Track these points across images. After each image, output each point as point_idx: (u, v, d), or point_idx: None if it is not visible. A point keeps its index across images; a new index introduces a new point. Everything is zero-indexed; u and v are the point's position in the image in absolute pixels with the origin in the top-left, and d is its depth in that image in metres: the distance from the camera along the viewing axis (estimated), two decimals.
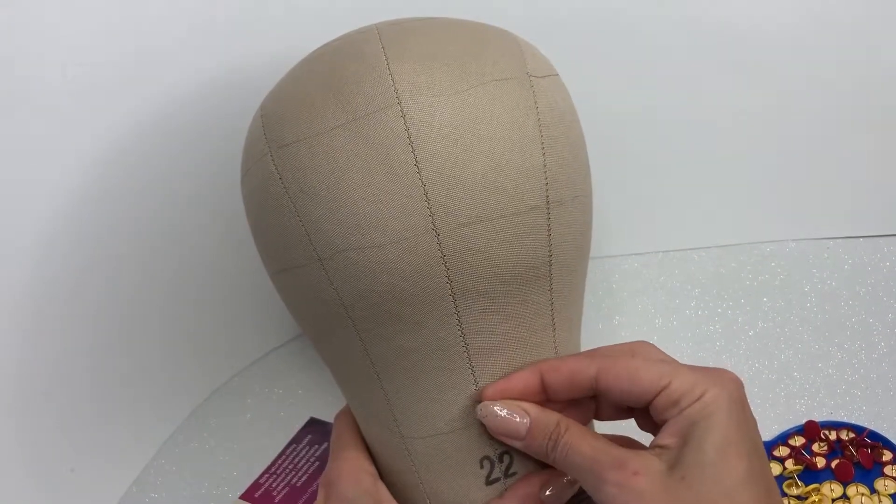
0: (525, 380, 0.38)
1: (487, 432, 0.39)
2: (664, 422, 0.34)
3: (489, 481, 0.39)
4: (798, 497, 0.45)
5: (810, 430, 0.49)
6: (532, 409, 0.37)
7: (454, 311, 0.38)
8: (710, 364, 0.54)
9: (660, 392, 0.34)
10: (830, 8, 0.55)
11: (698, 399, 0.33)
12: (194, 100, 0.51)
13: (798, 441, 0.48)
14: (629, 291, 0.62)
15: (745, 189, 0.62)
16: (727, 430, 0.33)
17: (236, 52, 0.51)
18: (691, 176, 0.62)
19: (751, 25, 0.56)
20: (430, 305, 0.37)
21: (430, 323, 0.38)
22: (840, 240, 0.63)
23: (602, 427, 0.40)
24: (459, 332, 0.38)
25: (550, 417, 0.37)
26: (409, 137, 0.36)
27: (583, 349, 0.45)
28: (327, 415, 0.54)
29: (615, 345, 0.39)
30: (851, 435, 0.48)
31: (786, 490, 0.46)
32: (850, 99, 0.58)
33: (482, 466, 0.39)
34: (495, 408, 0.38)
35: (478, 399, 0.39)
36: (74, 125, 0.46)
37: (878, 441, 0.47)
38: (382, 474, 0.42)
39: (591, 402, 0.39)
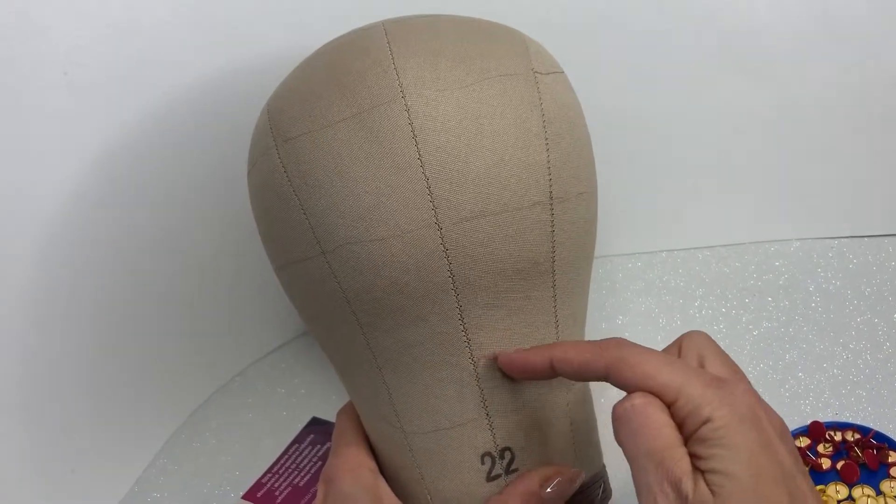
0: (533, 364, 0.37)
1: (489, 428, 0.39)
2: None
3: (490, 477, 0.39)
4: None
5: (815, 431, 0.48)
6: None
7: (456, 305, 0.38)
8: None
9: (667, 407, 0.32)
10: (833, 8, 0.55)
11: (703, 424, 0.31)
12: (197, 98, 0.51)
13: (803, 442, 0.48)
14: (633, 291, 0.62)
15: (749, 188, 0.62)
16: (734, 461, 0.30)
17: (240, 51, 0.51)
18: (695, 175, 0.62)
19: (756, 25, 0.56)
20: (432, 300, 0.37)
21: (433, 317, 0.38)
22: (845, 239, 0.62)
23: None
24: (462, 327, 0.38)
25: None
26: (412, 131, 0.36)
27: None
28: (330, 414, 0.54)
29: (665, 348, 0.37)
30: (857, 436, 0.48)
31: None
32: (855, 98, 0.58)
33: (483, 462, 0.39)
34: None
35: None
36: (74, 125, 0.46)
37: (884, 442, 0.47)
38: (383, 470, 0.42)
39: None
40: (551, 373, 0.37)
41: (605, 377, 0.34)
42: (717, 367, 0.35)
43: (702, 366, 0.35)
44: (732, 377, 0.34)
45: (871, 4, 0.55)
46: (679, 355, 0.36)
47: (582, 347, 0.36)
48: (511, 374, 0.38)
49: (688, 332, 0.37)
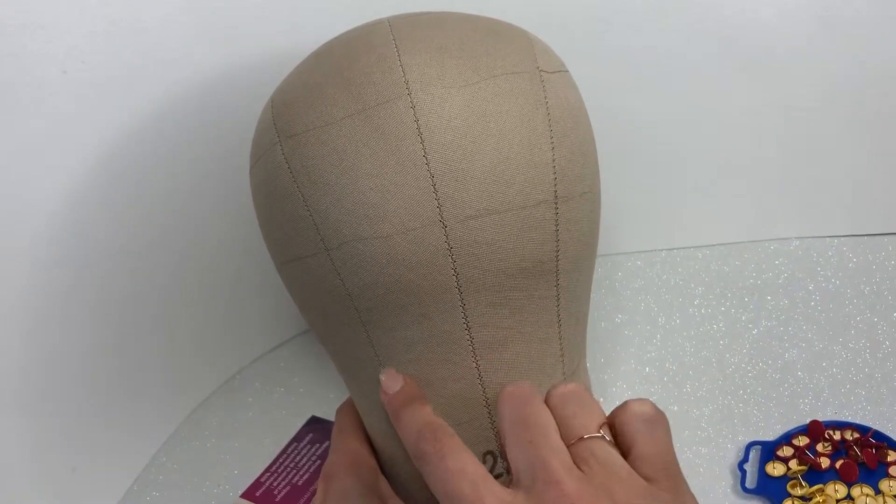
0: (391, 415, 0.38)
1: (491, 427, 0.39)
2: None
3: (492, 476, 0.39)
4: (802, 498, 0.45)
5: (814, 430, 0.48)
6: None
7: (460, 303, 0.38)
8: (714, 363, 0.54)
9: None
10: (833, 8, 0.55)
11: None
12: (197, 96, 0.51)
13: (802, 441, 0.48)
14: (632, 289, 0.62)
15: (749, 187, 0.62)
16: None
17: (242, 48, 0.51)
18: (695, 173, 0.62)
19: (756, 25, 0.56)
20: (435, 297, 0.37)
21: (436, 315, 0.38)
22: (845, 238, 0.62)
23: None
24: (465, 326, 0.38)
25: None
26: (418, 128, 0.36)
27: (587, 347, 0.45)
28: (329, 413, 0.54)
29: None
30: (856, 435, 0.48)
31: (790, 490, 0.46)
32: (855, 97, 0.58)
33: (485, 461, 0.39)
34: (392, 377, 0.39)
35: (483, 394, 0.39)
36: (74, 123, 0.46)
37: (883, 441, 0.47)
38: (384, 467, 0.42)
39: None
40: None
41: None
42: (644, 461, 0.33)
43: (629, 453, 0.33)
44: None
45: (872, 4, 0.55)
46: (615, 436, 0.34)
47: (409, 436, 0.35)
48: None
49: (622, 409, 0.35)
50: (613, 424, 0.34)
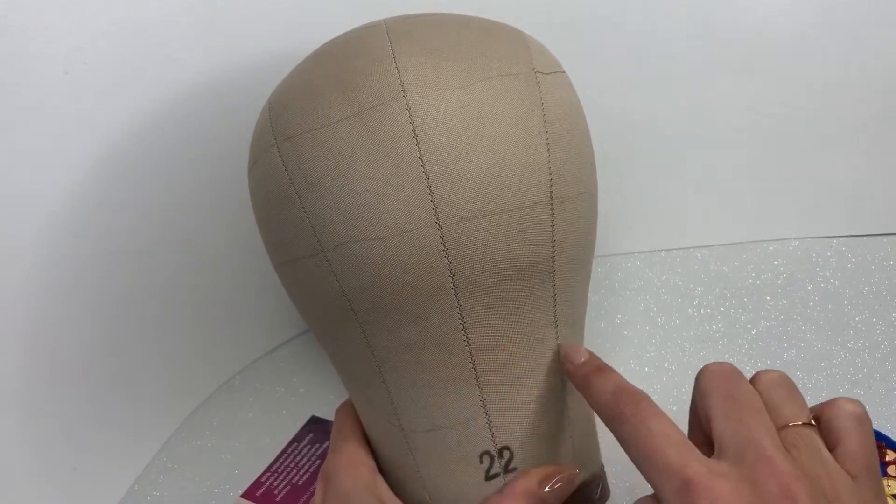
0: (574, 380, 0.39)
1: (488, 427, 0.39)
2: None
3: (489, 476, 0.39)
4: None
5: None
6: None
7: (456, 304, 0.38)
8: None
9: None
10: (833, 7, 0.55)
11: None
12: (199, 96, 0.51)
13: None
14: (631, 290, 0.62)
15: (747, 187, 0.62)
16: None
17: (243, 48, 0.51)
18: (694, 174, 0.62)
19: (755, 24, 0.56)
20: (432, 299, 0.37)
21: (432, 316, 0.38)
22: (843, 238, 0.63)
23: None
24: (461, 326, 0.38)
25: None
26: (413, 130, 0.36)
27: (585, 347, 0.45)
28: (329, 413, 0.54)
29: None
30: None
31: None
32: (855, 98, 0.58)
33: (482, 461, 0.39)
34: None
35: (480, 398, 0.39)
36: (75, 123, 0.46)
37: (882, 441, 0.47)
38: (382, 468, 0.42)
39: None
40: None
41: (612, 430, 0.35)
42: (850, 458, 0.33)
43: (834, 448, 0.33)
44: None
45: (872, 4, 0.55)
46: (819, 425, 0.34)
47: (602, 398, 0.36)
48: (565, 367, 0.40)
49: (832, 404, 0.34)
50: (820, 418, 0.34)
